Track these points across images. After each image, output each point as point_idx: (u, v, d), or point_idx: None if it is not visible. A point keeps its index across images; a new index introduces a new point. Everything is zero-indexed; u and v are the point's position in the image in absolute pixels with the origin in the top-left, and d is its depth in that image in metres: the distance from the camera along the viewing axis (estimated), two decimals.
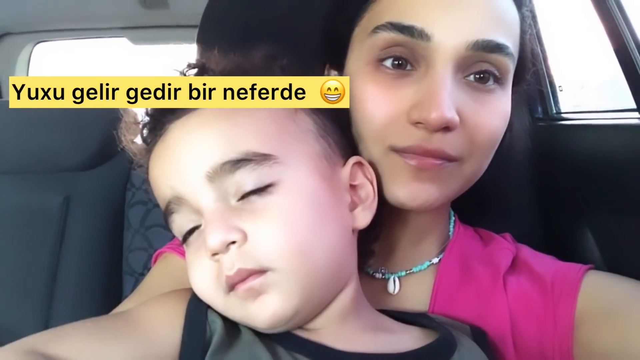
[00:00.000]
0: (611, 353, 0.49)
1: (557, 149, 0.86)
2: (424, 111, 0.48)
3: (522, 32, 0.54)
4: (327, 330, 0.46)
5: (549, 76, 0.97)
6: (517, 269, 0.60)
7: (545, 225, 0.85)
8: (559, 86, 0.99)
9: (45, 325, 0.92)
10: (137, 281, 0.95)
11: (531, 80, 0.60)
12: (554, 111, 0.98)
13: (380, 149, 0.51)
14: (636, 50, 0.73)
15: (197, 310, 0.45)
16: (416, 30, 0.49)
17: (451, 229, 0.64)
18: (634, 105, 0.76)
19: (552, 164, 0.85)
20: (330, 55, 0.60)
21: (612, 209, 0.73)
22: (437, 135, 0.49)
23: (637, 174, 0.68)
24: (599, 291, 0.54)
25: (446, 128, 0.49)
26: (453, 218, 0.65)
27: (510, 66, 0.52)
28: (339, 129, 0.52)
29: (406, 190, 0.51)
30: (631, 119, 0.76)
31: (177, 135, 0.46)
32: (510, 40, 0.51)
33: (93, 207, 1.00)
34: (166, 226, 0.48)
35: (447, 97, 0.48)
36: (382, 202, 0.52)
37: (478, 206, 0.66)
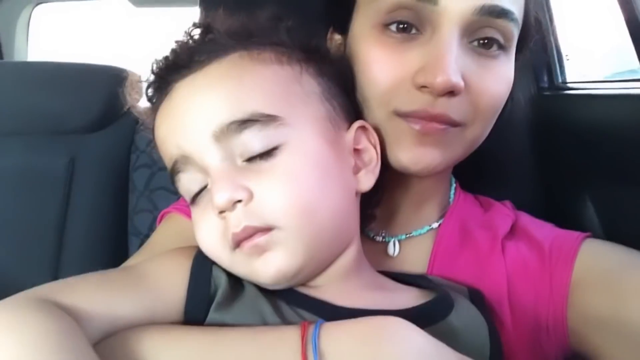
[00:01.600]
0: (605, 317, 0.50)
1: (562, 119, 0.86)
2: (430, 75, 0.48)
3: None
4: (329, 287, 0.47)
5: (556, 45, 0.96)
6: (516, 234, 0.61)
7: (546, 194, 0.86)
8: (566, 55, 0.98)
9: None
10: (142, 242, 0.94)
11: (537, 48, 0.60)
12: (560, 80, 0.97)
13: (385, 112, 0.52)
14: None
15: (202, 265, 0.46)
16: None
17: (452, 195, 0.64)
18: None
19: (555, 134, 0.85)
20: (333, 19, 0.60)
21: (614, 178, 0.74)
22: (442, 100, 0.49)
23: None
24: (596, 258, 0.55)
25: (451, 93, 0.49)
26: (454, 184, 0.65)
27: (515, 32, 0.52)
28: (344, 93, 0.52)
29: (409, 155, 0.51)
30: (637, 88, 0.76)
31: (183, 94, 0.46)
32: (515, 6, 0.51)
33: (98, 169, 1.00)
34: (171, 188, 0.49)
35: (453, 62, 0.48)
36: (385, 167, 0.52)
37: (479, 174, 0.66)
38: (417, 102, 0.50)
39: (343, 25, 0.58)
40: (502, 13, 0.50)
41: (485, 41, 0.51)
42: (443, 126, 0.51)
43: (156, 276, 0.45)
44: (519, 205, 0.68)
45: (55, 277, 0.93)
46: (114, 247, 0.98)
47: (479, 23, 0.50)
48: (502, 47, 0.52)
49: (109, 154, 1.01)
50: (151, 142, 0.51)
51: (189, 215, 0.50)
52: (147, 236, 0.94)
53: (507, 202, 0.67)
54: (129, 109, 0.54)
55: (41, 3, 1.81)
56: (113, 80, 0.95)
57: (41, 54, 1.74)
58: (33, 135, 0.99)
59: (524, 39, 0.55)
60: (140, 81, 0.52)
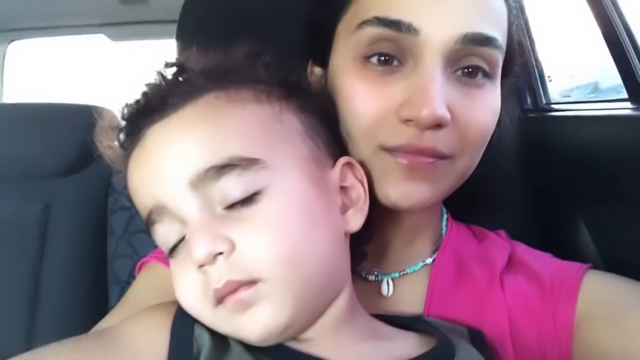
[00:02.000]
0: (612, 354, 0.48)
1: (548, 141, 0.85)
2: (415, 108, 0.46)
3: (510, 24, 0.53)
4: (322, 340, 0.44)
5: (538, 66, 0.96)
6: (514, 267, 0.59)
7: (539, 219, 0.84)
8: (548, 76, 0.98)
9: (28, 340, 0.88)
10: (123, 289, 0.92)
11: (520, 71, 0.59)
12: (544, 102, 0.97)
13: (370, 148, 0.50)
14: (627, 40, 0.72)
15: (183, 325, 0.42)
16: (403, 24, 0.47)
17: (444, 227, 0.62)
18: (625, 95, 0.75)
19: (543, 156, 0.84)
20: (313, 51, 0.58)
21: (606, 200, 0.73)
22: (428, 133, 0.47)
23: (630, 165, 0.67)
24: (599, 292, 0.53)
25: (438, 125, 0.47)
26: (445, 215, 0.63)
27: (500, 59, 0.51)
28: (327, 129, 0.50)
29: (398, 190, 0.50)
30: (623, 109, 0.75)
31: (156, 140, 0.43)
32: (499, 33, 0.50)
33: (74, 214, 0.96)
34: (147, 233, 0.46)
35: (437, 93, 0.46)
36: (373, 203, 0.50)
37: (469, 202, 0.64)
38: (403, 136, 0.48)
39: (323, 57, 0.56)
40: (485, 41, 0.49)
41: (470, 70, 0.50)
42: (431, 160, 0.49)
43: (133, 340, 0.41)
44: (512, 232, 0.66)
45: (31, 329, 0.89)
46: (93, 296, 0.93)
47: (463, 52, 0.48)
48: (487, 75, 0.51)
49: (85, 197, 0.97)
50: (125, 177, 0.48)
51: (168, 263, 0.47)
52: (128, 283, 0.91)
53: (502, 232, 0.65)
54: (101, 155, 0.50)
55: (15, 40, 1.79)
56: (88, 120, 0.92)
57: (16, 94, 1.70)
58: (4, 180, 0.95)
59: (508, 64, 0.54)
60: (112, 126, 0.49)
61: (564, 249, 0.64)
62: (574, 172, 0.77)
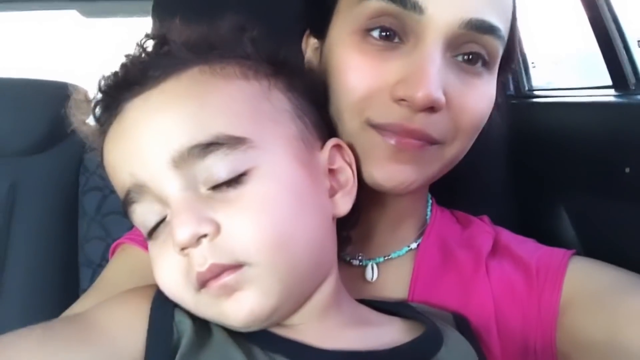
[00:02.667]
0: (597, 342, 0.48)
1: (530, 127, 0.86)
2: (410, 88, 0.45)
3: (513, 18, 0.52)
4: (307, 326, 0.43)
5: (521, 52, 0.96)
6: (499, 253, 0.59)
7: (520, 205, 0.84)
8: (532, 62, 0.98)
9: None
10: (94, 273, 0.89)
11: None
12: (527, 88, 0.97)
13: (357, 123, 0.49)
14: (614, 27, 0.72)
15: (162, 310, 0.40)
16: (409, 1, 0.46)
17: (429, 213, 0.62)
18: (609, 82, 0.75)
19: (525, 143, 0.84)
20: (311, 21, 0.57)
21: (586, 187, 0.73)
22: (421, 115, 0.46)
23: (611, 153, 0.68)
24: (585, 279, 0.53)
25: (431, 108, 0.46)
26: (430, 201, 0.63)
27: (500, 50, 0.50)
28: (316, 109, 0.48)
29: (383, 171, 0.49)
30: (606, 96, 0.75)
31: (136, 115, 0.41)
32: (503, 24, 0.49)
33: (43, 195, 0.92)
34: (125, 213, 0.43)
35: (435, 75, 0.46)
36: (360, 186, 0.49)
37: (452, 187, 0.64)
38: (394, 115, 0.47)
39: (321, 29, 0.54)
40: (489, 29, 0.48)
41: (470, 57, 0.49)
42: (420, 143, 0.48)
43: (109, 326, 0.39)
44: (494, 218, 0.66)
45: None
46: (63, 280, 0.90)
47: (465, 37, 0.47)
48: (486, 64, 0.50)
49: (55, 176, 0.93)
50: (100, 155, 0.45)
51: (145, 246, 0.45)
52: (100, 266, 0.88)
53: (485, 217, 0.65)
54: (74, 130, 0.47)
55: None
56: (59, 96, 0.87)
57: None
58: None
59: (507, 58, 0.53)
60: (87, 100, 0.46)
61: (545, 235, 0.64)
62: (556, 159, 0.78)
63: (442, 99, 0.46)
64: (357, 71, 0.48)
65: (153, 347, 0.38)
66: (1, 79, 1.02)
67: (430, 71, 0.45)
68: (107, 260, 0.61)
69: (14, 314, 0.86)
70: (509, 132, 0.85)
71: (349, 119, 0.49)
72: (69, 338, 0.38)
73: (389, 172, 0.48)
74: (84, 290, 0.82)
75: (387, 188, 0.49)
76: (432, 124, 0.47)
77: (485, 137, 0.81)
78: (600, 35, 0.75)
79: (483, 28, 0.47)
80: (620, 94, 0.72)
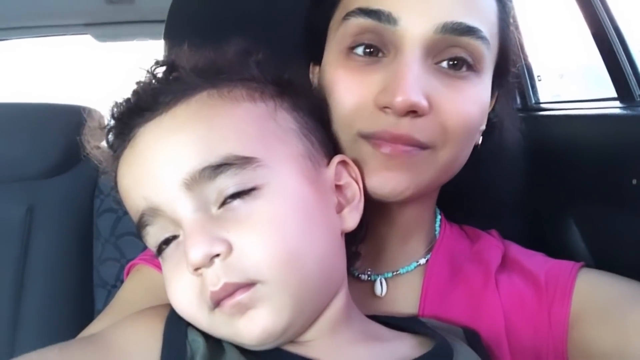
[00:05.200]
0: (608, 354, 0.48)
1: (537, 140, 0.85)
2: (389, 95, 0.47)
3: (503, 21, 0.53)
4: (319, 343, 0.43)
5: (527, 66, 0.97)
6: (508, 267, 0.59)
7: (529, 219, 0.84)
8: (538, 76, 0.98)
9: (11, 346, 0.86)
10: (109, 294, 0.90)
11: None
12: (533, 101, 0.97)
13: (350, 136, 0.50)
14: (617, 39, 0.73)
15: (175, 329, 0.41)
16: (383, 14, 0.48)
17: (437, 228, 0.62)
18: (614, 94, 0.75)
19: (532, 156, 0.84)
20: (312, 52, 0.59)
21: (595, 199, 0.73)
22: (405, 121, 0.48)
23: (617, 164, 0.68)
24: (594, 291, 0.53)
25: (414, 113, 0.47)
26: (439, 216, 0.63)
27: (485, 51, 0.50)
28: (321, 127, 0.49)
29: (375, 178, 0.50)
30: (612, 108, 0.76)
31: (148, 140, 0.42)
32: (483, 25, 0.50)
33: (59, 217, 0.94)
34: (139, 236, 0.44)
35: (412, 81, 0.47)
36: (367, 201, 0.49)
37: (460, 202, 0.64)
38: (380, 123, 0.48)
39: (319, 57, 0.56)
40: (467, 30, 0.48)
41: (455, 62, 0.50)
42: (408, 148, 0.49)
43: (123, 346, 0.40)
44: (503, 232, 0.66)
45: (14, 336, 0.87)
46: (79, 301, 0.91)
47: (444, 42, 0.49)
48: (471, 68, 0.50)
49: (70, 199, 0.95)
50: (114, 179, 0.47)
51: (158, 266, 0.46)
52: (115, 287, 0.90)
53: (493, 232, 0.65)
54: (88, 155, 0.49)
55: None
56: (73, 120, 0.89)
57: (0, 94, 1.67)
58: None
59: (504, 63, 0.54)
60: (101, 126, 0.48)
61: (555, 249, 0.64)
62: (564, 172, 0.77)
63: (423, 102, 0.47)
64: (343, 86, 0.50)
65: None
66: (17, 104, 1.05)
67: (406, 77, 0.47)
68: (121, 281, 0.62)
69: (31, 334, 0.87)
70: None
71: (342, 133, 0.51)
72: (85, 357, 0.39)
73: (382, 179, 0.49)
74: (99, 311, 0.84)
75: (381, 195, 0.50)
76: (418, 129, 0.48)
77: (502, 151, 0.82)
78: (604, 48, 0.75)
79: (459, 30, 0.48)
80: (624, 105, 0.72)
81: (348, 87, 0.50)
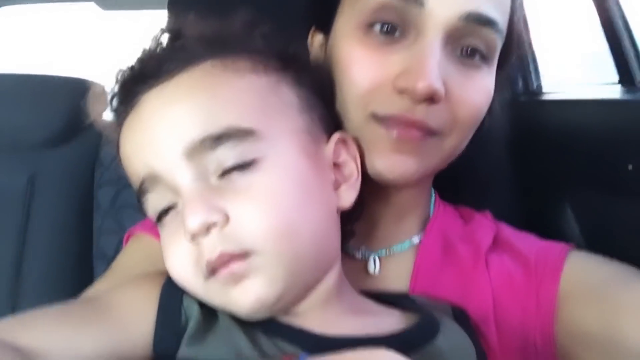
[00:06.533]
0: (595, 334, 0.49)
1: (538, 124, 0.86)
2: (411, 80, 0.47)
3: (512, 11, 0.53)
4: (310, 314, 0.44)
5: (531, 49, 0.96)
6: (499, 247, 0.59)
7: (525, 202, 0.85)
8: (540, 59, 0.98)
9: (12, 313, 0.88)
10: (108, 265, 0.89)
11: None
12: (535, 85, 0.97)
13: (362, 116, 0.50)
14: (621, 23, 0.72)
15: (171, 295, 0.43)
16: None
17: (432, 207, 0.63)
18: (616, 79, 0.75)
19: (532, 140, 0.85)
20: (316, 17, 0.58)
21: (592, 185, 0.74)
22: (421, 107, 0.48)
23: (614, 149, 0.68)
24: (583, 272, 0.54)
25: (431, 99, 0.47)
26: (434, 196, 0.64)
27: (498, 44, 0.51)
28: (323, 104, 0.49)
29: (384, 161, 0.50)
30: (611, 92, 0.76)
31: (151, 107, 0.43)
32: (501, 18, 0.50)
33: (60, 187, 0.95)
34: (138, 208, 0.45)
35: (435, 67, 0.47)
36: (364, 179, 0.50)
37: (457, 184, 0.65)
38: (396, 106, 0.48)
39: (326, 24, 0.56)
40: (487, 22, 0.49)
41: (469, 51, 0.50)
42: (420, 133, 0.49)
43: (121, 308, 0.41)
44: (499, 215, 0.67)
45: (14, 303, 0.89)
46: (78, 271, 0.92)
47: (464, 30, 0.49)
48: (484, 58, 0.51)
49: (71, 170, 0.96)
50: (116, 158, 0.47)
51: (157, 235, 0.47)
52: (114, 259, 0.90)
53: (487, 213, 0.65)
54: (92, 122, 0.50)
55: (3, 5, 1.74)
56: (75, 92, 0.89)
57: (3, 63, 1.66)
58: None
59: (506, 52, 0.54)
60: (105, 93, 0.48)
61: (549, 232, 0.64)
62: (562, 156, 0.78)
63: (442, 89, 0.47)
64: (360, 65, 0.50)
65: (161, 329, 0.41)
66: (20, 75, 1.05)
67: (430, 63, 0.47)
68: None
69: (31, 301, 0.88)
70: (516, 130, 0.86)
71: (354, 112, 0.50)
72: (84, 317, 0.40)
73: (391, 163, 0.50)
74: None
75: (388, 179, 0.50)
76: (432, 115, 0.48)
77: (491, 135, 0.82)
78: (608, 31, 0.75)
79: (482, 21, 0.48)
80: (626, 89, 0.72)
81: (365, 67, 0.49)
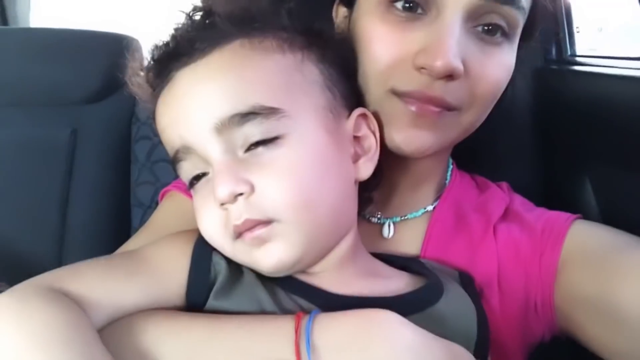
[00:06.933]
0: (591, 298, 0.51)
1: (565, 94, 0.85)
2: (430, 57, 0.48)
3: None
4: (325, 274, 0.48)
5: (567, 15, 0.93)
6: (509, 217, 0.62)
7: (546, 174, 0.85)
8: (576, 27, 0.95)
9: (58, 257, 0.95)
10: (145, 214, 0.97)
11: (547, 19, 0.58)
12: (569, 53, 0.95)
13: (382, 91, 0.52)
14: None
15: (202, 252, 0.47)
16: None
17: (448, 176, 0.65)
18: None
19: (558, 110, 0.84)
20: None
21: (614, 161, 0.73)
22: (440, 83, 0.49)
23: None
24: (584, 239, 0.56)
25: (450, 76, 0.49)
26: (451, 166, 0.66)
27: (520, 20, 0.52)
28: (345, 79, 0.51)
29: (403, 135, 0.52)
30: None
31: (184, 84, 0.46)
32: None
33: (100, 141, 1.00)
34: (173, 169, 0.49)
35: (454, 45, 0.48)
36: (382, 150, 0.52)
37: (476, 152, 0.66)
38: (415, 82, 0.50)
39: None
40: (509, 0, 0.49)
41: (490, 27, 0.51)
42: (438, 109, 0.51)
43: (158, 262, 0.46)
44: (517, 186, 0.68)
45: (60, 247, 0.96)
46: (117, 218, 0.99)
47: (485, 8, 0.49)
48: (505, 35, 0.51)
49: (109, 125, 1.00)
50: (152, 114, 0.51)
51: (189, 195, 0.51)
52: (150, 208, 0.97)
53: (504, 184, 0.67)
54: (127, 84, 0.53)
55: None
56: (114, 47, 0.94)
57: (44, 19, 1.69)
58: (34, 106, 0.99)
59: (529, 28, 0.54)
60: (142, 68, 0.51)
61: (566, 204, 0.65)
62: (587, 129, 0.77)
63: (460, 67, 0.48)
64: (382, 41, 0.51)
65: (194, 282, 0.46)
66: (62, 30, 1.08)
67: (449, 41, 0.48)
68: (156, 203, 0.67)
69: (76, 245, 0.96)
70: (544, 98, 0.85)
71: (374, 87, 0.52)
72: (126, 269, 0.45)
73: (409, 136, 0.52)
74: (135, 229, 0.92)
75: (406, 152, 0.53)
76: (450, 91, 0.50)
77: (518, 102, 0.82)
78: None
79: None
80: None
81: (387, 43, 0.51)
